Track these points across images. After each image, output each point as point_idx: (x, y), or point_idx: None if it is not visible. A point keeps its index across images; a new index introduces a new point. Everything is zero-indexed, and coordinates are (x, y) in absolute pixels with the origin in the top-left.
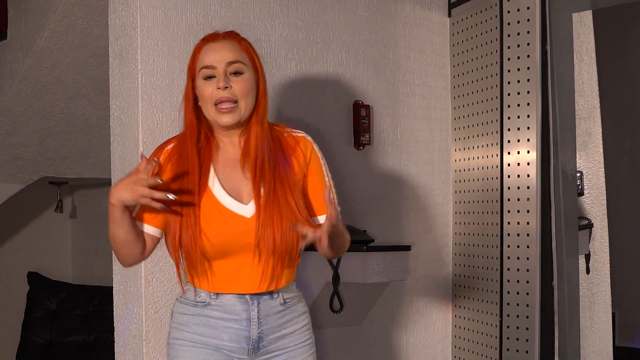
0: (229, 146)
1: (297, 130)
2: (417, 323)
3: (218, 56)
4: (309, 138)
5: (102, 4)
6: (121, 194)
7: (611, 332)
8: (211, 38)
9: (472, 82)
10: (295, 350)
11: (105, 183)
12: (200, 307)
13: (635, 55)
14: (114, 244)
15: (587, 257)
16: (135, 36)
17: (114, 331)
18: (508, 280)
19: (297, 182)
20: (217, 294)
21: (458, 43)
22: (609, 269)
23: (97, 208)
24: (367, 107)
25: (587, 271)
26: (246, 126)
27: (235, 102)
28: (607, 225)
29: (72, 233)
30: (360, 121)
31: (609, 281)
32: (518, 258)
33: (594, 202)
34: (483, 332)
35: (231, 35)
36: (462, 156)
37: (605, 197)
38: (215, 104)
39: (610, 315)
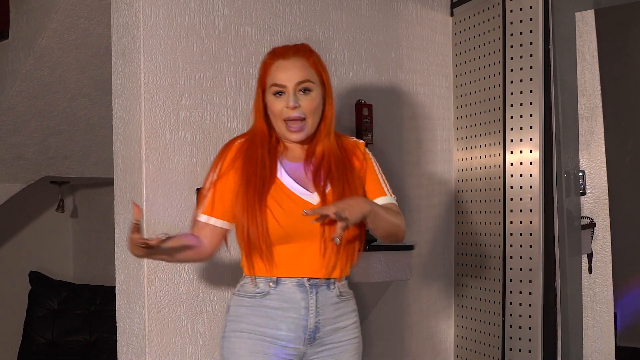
0: (297, 148)
1: (350, 137)
2: (420, 322)
3: (288, 75)
4: (360, 141)
5: (104, 4)
6: (135, 253)
7: (613, 332)
8: (281, 54)
9: (475, 81)
10: (347, 345)
11: (107, 183)
12: (259, 298)
13: (638, 55)
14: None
15: (590, 257)
16: (138, 35)
17: (115, 331)
18: (511, 280)
19: (360, 181)
20: (277, 281)
21: (460, 42)
22: (611, 268)
23: (99, 208)
24: (370, 107)
25: (590, 271)
26: (312, 136)
27: (304, 119)
28: (609, 224)
29: (73, 233)
30: (363, 120)
31: (611, 281)
32: (521, 257)
33: (597, 201)
34: (485, 332)
35: (301, 52)
36: (465, 155)
37: (607, 197)
38: (285, 121)
39: (612, 314)
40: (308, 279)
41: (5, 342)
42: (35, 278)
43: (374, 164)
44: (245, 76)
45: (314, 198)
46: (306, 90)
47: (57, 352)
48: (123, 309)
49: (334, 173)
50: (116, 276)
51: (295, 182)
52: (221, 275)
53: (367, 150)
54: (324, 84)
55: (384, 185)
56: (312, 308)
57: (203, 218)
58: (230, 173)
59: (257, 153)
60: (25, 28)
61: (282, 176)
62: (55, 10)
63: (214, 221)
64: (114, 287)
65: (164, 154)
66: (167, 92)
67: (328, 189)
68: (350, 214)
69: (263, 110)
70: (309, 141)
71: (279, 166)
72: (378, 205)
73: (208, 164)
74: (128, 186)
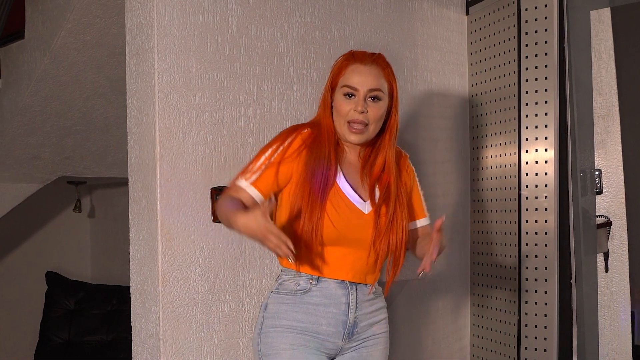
0: (352, 154)
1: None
2: (436, 322)
3: (363, 80)
4: (405, 153)
5: (119, 3)
6: (250, 231)
7: (630, 331)
8: (360, 58)
9: (490, 80)
10: (379, 339)
11: (124, 183)
12: (300, 295)
13: None
14: (222, 220)
15: (606, 256)
16: (152, 35)
17: (132, 330)
18: (526, 279)
19: (407, 195)
20: (319, 278)
21: (476, 41)
22: (628, 267)
23: (116, 208)
24: None
25: (606, 269)
26: (370, 142)
27: (366, 124)
28: (626, 223)
29: (90, 233)
30: None
31: (628, 280)
32: (536, 256)
33: (613, 200)
34: (501, 331)
35: (378, 61)
36: (480, 154)
37: (624, 195)
38: (348, 122)
39: (630, 314)
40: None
41: (22, 342)
42: (52, 278)
43: (417, 180)
44: (260, 75)
45: (366, 207)
46: (375, 99)
47: (74, 352)
48: (138, 309)
49: (392, 191)
50: (131, 276)
51: (352, 188)
52: (236, 275)
53: (410, 162)
54: (393, 96)
55: (424, 204)
56: (352, 304)
57: (253, 192)
58: (296, 161)
59: (324, 149)
60: (40, 28)
61: (340, 181)
62: (70, 9)
63: (258, 197)
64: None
65: (178, 154)
66: (181, 92)
67: (380, 202)
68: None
69: (330, 108)
70: (367, 148)
71: (338, 170)
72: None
73: (222, 164)
74: (142, 186)
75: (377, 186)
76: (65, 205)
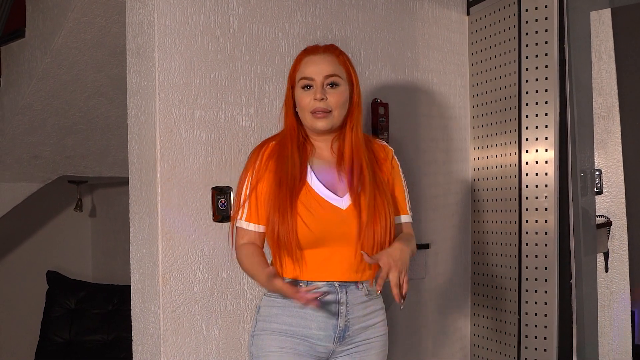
0: (324, 150)
1: (379, 139)
2: (436, 321)
3: (317, 69)
4: (390, 147)
5: (120, 2)
6: (280, 291)
7: (630, 331)
8: (312, 50)
9: (491, 80)
10: (374, 343)
11: (125, 182)
12: (290, 299)
13: None
14: (248, 274)
15: (606, 256)
16: (153, 34)
17: (132, 330)
18: (526, 279)
19: (388, 187)
20: (308, 282)
21: (477, 41)
22: (628, 267)
23: (117, 207)
24: (385, 106)
25: (606, 269)
26: (339, 133)
27: (329, 111)
28: (626, 223)
29: (91, 232)
30: (379, 119)
31: (628, 279)
32: (536, 256)
33: (613, 200)
34: (501, 330)
35: (330, 49)
36: (481, 155)
37: (624, 195)
38: (311, 113)
39: (630, 313)
40: (338, 282)
41: (23, 342)
42: (53, 277)
43: (401, 174)
44: (261, 75)
45: (343, 203)
46: (333, 85)
47: (75, 351)
48: (138, 308)
49: (365, 176)
50: (131, 275)
51: (324, 185)
52: (236, 274)
53: (394, 156)
54: (352, 82)
55: (407, 200)
56: (342, 307)
57: (252, 227)
58: (265, 175)
59: (287, 151)
60: (41, 26)
61: (312, 180)
62: (71, 8)
63: (262, 228)
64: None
65: (179, 153)
66: (182, 91)
67: (357, 193)
68: (399, 269)
69: (293, 108)
70: (338, 141)
71: (308, 169)
72: (404, 242)
73: (223, 163)
74: (143, 185)
75: (354, 176)
76: (66, 205)
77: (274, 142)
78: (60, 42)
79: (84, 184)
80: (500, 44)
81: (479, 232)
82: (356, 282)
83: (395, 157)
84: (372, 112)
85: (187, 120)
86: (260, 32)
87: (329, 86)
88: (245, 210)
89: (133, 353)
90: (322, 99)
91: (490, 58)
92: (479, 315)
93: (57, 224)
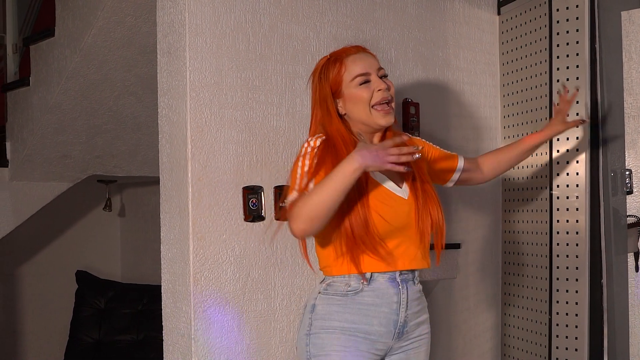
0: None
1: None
2: (467, 321)
3: (368, 63)
4: (406, 135)
5: (150, 1)
6: (367, 161)
7: None
8: (349, 51)
9: (521, 80)
10: (425, 339)
11: (155, 181)
12: (351, 296)
13: None
14: (317, 213)
15: (637, 255)
16: (184, 33)
17: (162, 330)
18: (557, 278)
19: (432, 163)
20: (371, 278)
21: (507, 41)
22: None
23: (147, 206)
24: (416, 105)
25: (637, 269)
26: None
27: (389, 101)
28: None
29: (121, 232)
30: (410, 119)
31: None
32: (567, 256)
33: None
34: (532, 330)
35: (363, 49)
36: None
37: None
38: (373, 106)
39: None
40: (400, 273)
41: (52, 342)
42: (82, 277)
43: (432, 144)
44: (292, 74)
45: (404, 192)
46: (385, 76)
47: (104, 351)
48: (169, 308)
49: (410, 165)
50: (162, 275)
51: (388, 178)
52: (267, 274)
53: (414, 136)
54: None
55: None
56: (404, 302)
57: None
58: (324, 169)
59: (344, 153)
60: (71, 26)
61: (375, 175)
62: (101, 7)
63: None
64: (161, 286)
65: (210, 153)
66: (213, 91)
67: (411, 180)
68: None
69: (336, 115)
70: (376, 135)
71: None
72: None
73: (254, 163)
74: (174, 185)
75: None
76: (96, 204)
77: (323, 138)
78: (90, 41)
79: (113, 183)
80: (531, 43)
81: (510, 231)
82: (413, 275)
83: (414, 137)
84: (403, 111)
85: (218, 120)
86: (292, 32)
87: (382, 77)
88: (306, 180)
89: (164, 353)
90: (387, 88)
91: (521, 58)
92: (509, 315)
93: (87, 224)
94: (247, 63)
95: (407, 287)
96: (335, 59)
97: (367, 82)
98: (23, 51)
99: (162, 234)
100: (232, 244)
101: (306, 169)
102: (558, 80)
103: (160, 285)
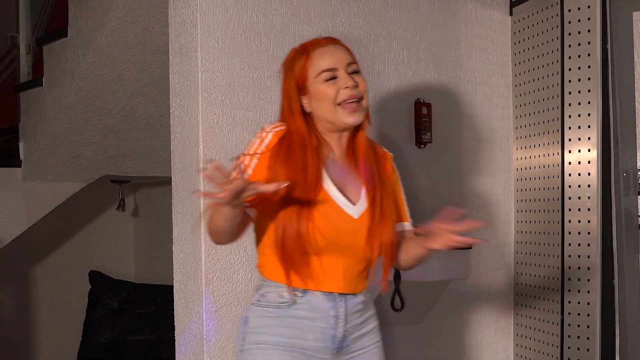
0: (336, 147)
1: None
2: (479, 321)
3: (336, 57)
4: (390, 153)
5: (162, 1)
6: (233, 194)
7: None
8: (318, 43)
9: (534, 80)
10: (372, 350)
11: (168, 181)
12: (284, 308)
13: None
14: (214, 230)
15: None
16: (195, 34)
17: (175, 330)
18: (569, 279)
19: (390, 191)
20: (305, 291)
21: (519, 41)
22: None
23: (160, 207)
24: (429, 106)
25: None
26: (354, 129)
27: (359, 100)
28: None
29: (134, 232)
30: (422, 119)
31: None
32: (579, 256)
33: None
34: (544, 330)
35: (334, 40)
36: (524, 155)
37: None
38: (339, 104)
39: None
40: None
41: (65, 342)
42: (95, 277)
43: (400, 181)
44: None
45: (356, 211)
46: (355, 72)
47: (117, 351)
48: (181, 308)
49: (376, 179)
50: (174, 275)
51: (339, 190)
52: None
53: (394, 165)
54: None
55: (407, 207)
56: (341, 317)
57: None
58: (273, 168)
59: (298, 157)
60: (84, 26)
61: (328, 185)
62: (114, 8)
63: (251, 211)
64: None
65: (222, 153)
66: (225, 91)
67: (371, 196)
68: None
69: (300, 112)
70: (351, 139)
71: (323, 172)
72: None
73: None
74: (186, 185)
75: (367, 181)
76: (109, 204)
77: (282, 129)
78: (103, 42)
79: (127, 183)
80: (542, 44)
81: (521, 232)
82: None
83: (394, 163)
84: (415, 112)
85: (230, 120)
86: (303, 32)
87: (353, 73)
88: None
89: (176, 353)
90: (355, 85)
91: (533, 58)
92: (521, 315)
93: (100, 224)
94: (258, 63)
95: (345, 301)
96: (303, 52)
97: (333, 78)
98: (36, 51)
99: (174, 234)
100: (244, 244)
101: (248, 162)
102: (570, 81)
103: (173, 285)
